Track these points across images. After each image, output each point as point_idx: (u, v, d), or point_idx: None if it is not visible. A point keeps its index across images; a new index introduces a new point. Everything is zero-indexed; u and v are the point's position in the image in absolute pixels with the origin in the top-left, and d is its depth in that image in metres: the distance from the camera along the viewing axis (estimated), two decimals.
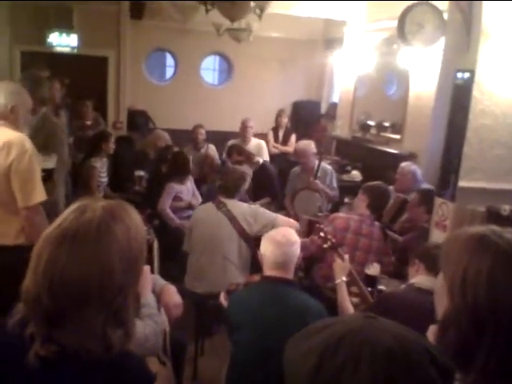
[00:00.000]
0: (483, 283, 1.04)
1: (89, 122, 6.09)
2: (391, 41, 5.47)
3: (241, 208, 3.64)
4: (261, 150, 6.20)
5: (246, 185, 3.99)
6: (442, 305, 1.11)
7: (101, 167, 4.84)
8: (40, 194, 2.65)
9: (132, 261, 1.20)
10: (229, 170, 4.05)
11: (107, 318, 1.15)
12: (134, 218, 1.26)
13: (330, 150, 6.85)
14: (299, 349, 0.78)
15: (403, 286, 2.53)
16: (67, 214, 1.20)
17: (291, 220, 3.77)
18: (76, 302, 1.12)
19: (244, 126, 6.16)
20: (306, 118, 8.00)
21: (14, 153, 2.56)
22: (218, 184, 3.86)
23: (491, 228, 1.13)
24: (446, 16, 4.04)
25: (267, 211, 3.74)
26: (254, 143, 6.20)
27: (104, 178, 4.93)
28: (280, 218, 3.72)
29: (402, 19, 4.00)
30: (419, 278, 2.30)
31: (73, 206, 1.22)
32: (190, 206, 4.85)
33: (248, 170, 4.94)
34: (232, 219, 3.56)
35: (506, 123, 3.33)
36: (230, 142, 6.07)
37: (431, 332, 1.16)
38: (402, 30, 3.97)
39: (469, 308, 1.04)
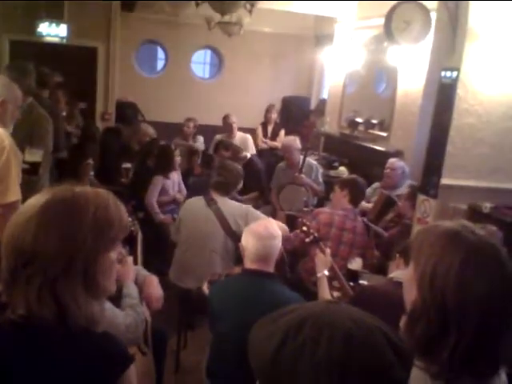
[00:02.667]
0: (452, 278, 1.06)
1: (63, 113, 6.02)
2: (381, 38, 5.48)
3: (231, 207, 3.54)
4: (246, 143, 6.21)
5: (241, 184, 3.82)
6: (410, 295, 1.14)
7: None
8: (15, 194, 2.55)
9: (103, 234, 1.23)
10: (228, 166, 3.78)
11: (78, 286, 1.18)
12: (102, 195, 1.29)
13: (318, 145, 6.87)
14: (264, 331, 0.81)
15: (383, 280, 2.57)
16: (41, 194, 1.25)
17: (281, 223, 3.57)
18: (47, 268, 1.16)
19: (226, 123, 6.17)
20: (295, 113, 8.01)
21: None
22: (213, 180, 3.70)
23: (464, 224, 1.16)
24: (433, 16, 4.07)
25: (258, 213, 3.63)
26: (239, 137, 6.20)
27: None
28: (272, 220, 3.64)
29: (389, 16, 4.02)
30: (398, 272, 2.33)
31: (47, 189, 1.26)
32: (175, 201, 4.85)
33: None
34: (221, 218, 3.47)
35: (490, 122, 3.37)
36: (217, 138, 6.08)
37: (402, 322, 1.18)
38: (389, 27, 3.99)
39: (437, 302, 1.07)
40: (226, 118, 6.20)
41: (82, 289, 1.20)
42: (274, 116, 7.19)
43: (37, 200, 1.23)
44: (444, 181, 3.33)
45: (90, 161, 4.71)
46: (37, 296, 1.15)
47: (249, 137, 6.37)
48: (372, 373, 0.72)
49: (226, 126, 6.19)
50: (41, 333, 1.17)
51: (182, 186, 5.05)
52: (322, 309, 0.79)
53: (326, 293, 2.69)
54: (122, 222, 1.30)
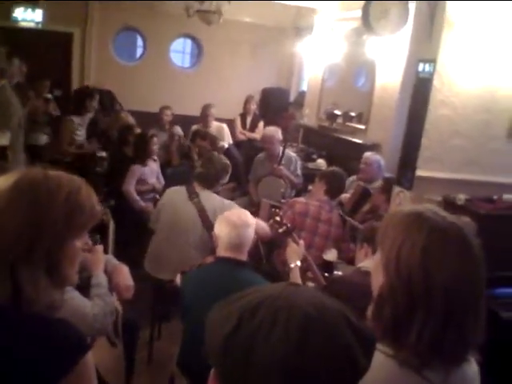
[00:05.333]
0: (417, 260, 1.05)
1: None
2: (361, 31, 5.47)
3: (214, 202, 3.42)
4: (222, 132, 6.16)
5: (227, 178, 3.68)
6: (377, 281, 1.12)
7: (80, 124, 4.75)
8: None
9: (71, 220, 1.19)
10: (213, 158, 3.62)
11: (40, 269, 1.15)
12: (74, 181, 1.25)
13: (296, 138, 6.85)
14: (221, 312, 0.79)
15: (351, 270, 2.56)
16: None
17: (262, 223, 3.45)
18: (10, 250, 1.12)
19: (205, 114, 6.10)
20: (274, 105, 7.97)
21: None
22: (197, 171, 3.58)
23: (428, 206, 1.14)
24: (412, 7, 4.07)
25: (242, 209, 3.52)
26: (214, 126, 6.15)
27: (80, 136, 4.83)
28: (253, 218, 3.50)
29: (367, 5, 4.00)
30: (366, 261, 2.33)
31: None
32: (154, 189, 4.78)
33: None
34: (201, 212, 3.38)
35: (465, 114, 3.39)
36: (194, 127, 6.01)
37: (370, 309, 1.16)
38: (367, 16, 3.97)
39: (403, 284, 1.05)
40: (204, 108, 6.13)
41: (44, 275, 1.16)
42: (253, 107, 7.14)
43: (5, 180, 1.19)
44: (419, 173, 3.34)
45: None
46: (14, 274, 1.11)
47: (224, 126, 6.32)
48: (330, 354, 0.69)
49: (203, 116, 6.13)
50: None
51: (161, 176, 4.99)
52: (280, 291, 0.77)
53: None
54: (93, 210, 1.26)
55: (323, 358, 0.69)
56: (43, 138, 5.36)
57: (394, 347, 1.07)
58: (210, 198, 3.44)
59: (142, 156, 4.71)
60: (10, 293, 1.11)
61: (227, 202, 3.53)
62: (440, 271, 1.04)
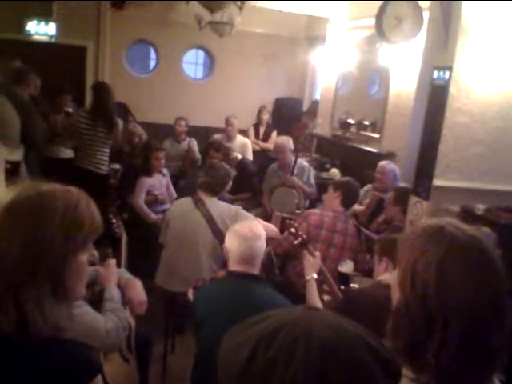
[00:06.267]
0: (432, 274, 0.99)
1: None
2: (373, 39, 5.43)
3: (220, 209, 3.44)
4: (245, 149, 6.13)
5: (230, 184, 3.71)
6: (395, 297, 1.07)
7: None
8: None
9: (71, 236, 1.16)
10: (215, 165, 3.67)
11: (46, 291, 1.11)
12: (73, 194, 1.21)
13: (310, 147, 6.80)
14: (235, 339, 0.74)
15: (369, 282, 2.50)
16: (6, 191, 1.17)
17: (271, 225, 3.53)
18: (13, 274, 1.09)
19: (226, 124, 6.08)
20: (287, 115, 7.94)
21: None
22: (200, 180, 3.60)
23: (449, 220, 1.08)
24: (426, 14, 4.02)
25: (248, 214, 3.54)
26: (239, 142, 6.12)
27: None
28: (261, 221, 3.48)
29: (381, 13, 3.95)
30: (387, 275, 2.26)
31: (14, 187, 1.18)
32: (163, 201, 4.75)
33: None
34: (209, 219, 3.38)
35: (483, 121, 3.32)
36: (214, 137, 5.98)
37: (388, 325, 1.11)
38: (380, 24, 3.92)
39: (418, 300, 1.00)
40: (227, 120, 6.10)
41: (49, 294, 1.12)
42: (266, 117, 7.12)
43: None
44: (436, 182, 3.27)
45: None
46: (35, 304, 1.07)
47: (248, 142, 6.29)
48: None
49: (226, 127, 6.11)
50: (4, 347, 1.08)
51: (171, 187, 4.96)
52: (298, 317, 0.71)
53: (314, 296, 2.61)
54: (93, 223, 1.22)
55: None
56: (65, 152, 5.37)
57: (414, 370, 1.01)
58: (215, 205, 3.46)
59: (147, 168, 4.69)
60: (16, 321, 1.08)
61: (234, 207, 3.54)
62: (457, 288, 0.98)
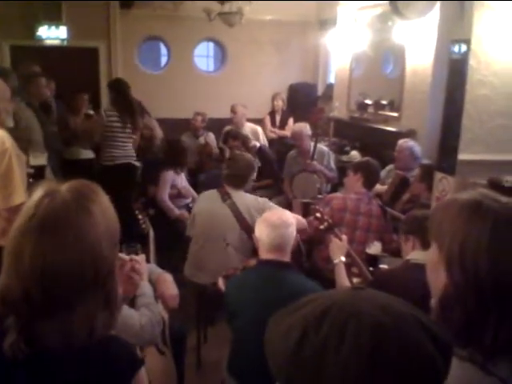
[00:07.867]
0: (484, 255, 0.95)
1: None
2: (385, 17, 5.35)
3: (247, 201, 3.41)
4: (256, 134, 6.12)
5: (254, 174, 3.67)
6: (437, 281, 1.02)
7: None
8: (20, 196, 2.45)
9: (113, 239, 1.13)
10: (236, 156, 3.65)
11: (99, 302, 1.08)
12: (100, 193, 1.16)
13: (328, 131, 6.74)
14: (279, 326, 0.72)
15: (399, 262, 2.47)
16: (35, 201, 1.09)
17: (299, 217, 3.42)
18: (71, 291, 1.05)
19: (232, 112, 6.08)
20: (302, 100, 7.86)
21: None
22: (224, 172, 3.57)
23: (483, 192, 1.03)
24: None
25: (275, 206, 3.48)
26: (248, 129, 6.10)
27: None
28: (291, 213, 3.50)
29: None
30: (415, 253, 2.24)
31: (38, 192, 1.11)
32: (185, 195, 4.76)
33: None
34: (236, 212, 3.36)
35: (505, 93, 3.25)
36: (226, 129, 5.99)
37: (433, 312, 1.07)
38: (395, 1, 3.84)
39: (470, 284, 0.96)
40: (232, 108, 6.12)
41: (102, 304, 1.09)
42: (281, 104, 7.07)
43: (32, 210, 1.07)
44: (461, 156, 3.22)
45: None
46: (93, 314, 1.05)
47: (259, 128, 6.28)
48: (408, 369, 0.62)
49: (232, 116, 6.11)
50: (50, 360, 1.07)
51: (187, 182, 4.97)
52: (346, 297, 0.70)
53: (344, 280, 2.60)
54: (116, 220, 1.17)
55: (400, 373, 0.62)
56: (84, 153, 5.42)
57: (468, 350, 0.97)
58: (242, 198, 3.43)
59: (175, 163, 4.70)
60: (63, 337, 1.06)
61: (261, 199, 3.49)
62: (510, 264, 0.95)
